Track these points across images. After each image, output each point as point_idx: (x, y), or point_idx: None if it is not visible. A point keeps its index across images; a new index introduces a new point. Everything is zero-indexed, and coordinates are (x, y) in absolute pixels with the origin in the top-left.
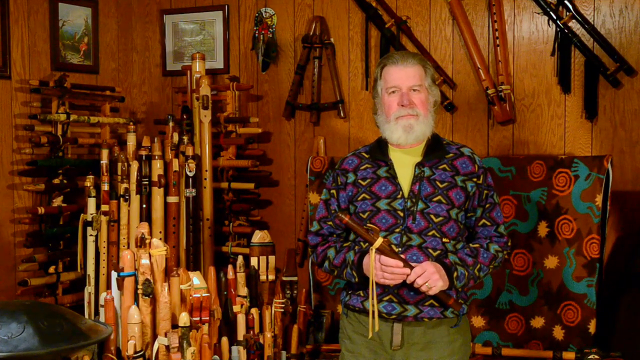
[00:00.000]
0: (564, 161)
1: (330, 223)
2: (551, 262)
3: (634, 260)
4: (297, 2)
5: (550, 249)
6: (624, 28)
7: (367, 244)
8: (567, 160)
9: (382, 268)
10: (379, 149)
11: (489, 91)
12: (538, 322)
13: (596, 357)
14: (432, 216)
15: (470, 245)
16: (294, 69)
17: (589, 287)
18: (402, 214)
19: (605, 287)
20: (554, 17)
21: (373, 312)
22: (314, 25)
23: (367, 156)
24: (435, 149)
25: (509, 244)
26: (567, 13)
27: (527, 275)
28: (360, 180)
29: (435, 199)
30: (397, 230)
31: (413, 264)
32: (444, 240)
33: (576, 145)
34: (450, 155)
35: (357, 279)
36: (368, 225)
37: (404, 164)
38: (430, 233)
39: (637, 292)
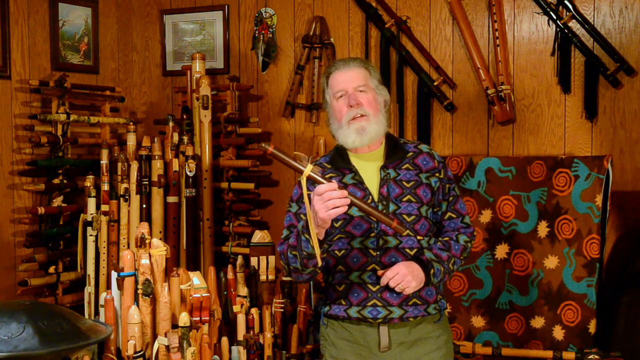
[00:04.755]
0: (564, 161)
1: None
2: (551, 262)
3: (634, 260)
4: (297, 2)
5: (550, 249)
6: (624, 28)
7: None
8: (567, 160)
9: (320, 200)
10: (340, 158)
11: (489, 91)
12: (538, 322)
13: (596, 357)
14: (404, 216)
15: (441, 239)
16: (294, 69)
17: (589, 287)
18: (375, 218)
19: (605, 287)
20: (554, 17)
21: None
22: (314, 25)
23: (328, 166)
24: (394, 150)
25: (475, 233)
26: (567, 13)
27: (527, 275)
28: None
29: (405, 199)
30: (373, 234)
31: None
32: (418, 237)
33: (576, 145)
34: (410, 154)
35: (312, 242)
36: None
37: (368, 169)
38: (404, 233)
39: (637, 292)
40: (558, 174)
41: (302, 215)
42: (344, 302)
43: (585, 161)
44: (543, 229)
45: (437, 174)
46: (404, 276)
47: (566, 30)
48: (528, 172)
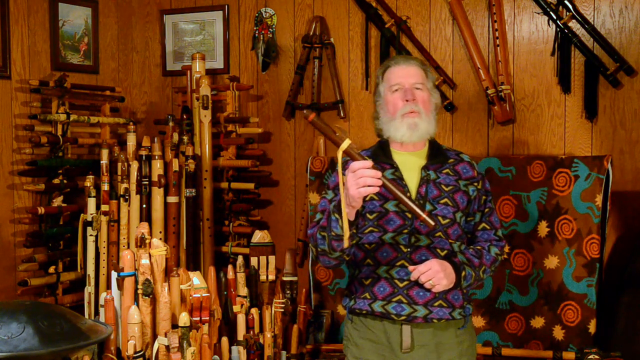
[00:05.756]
0: (564, 161)
1: None
2: (551, 262)
3: (634, 260)
4: (297, 2)
5: (550, 249)
6: (624, 28)
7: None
8: (567, 160)
9: (353, 177)
10: (382, 152)
11: (489, 91)
12: (538, 322)
13: (596, 357)
14: (439, 218)
15: (474, 247)
16: (294, 69)
17: (589, 287)
18: (410, 215)
19: (605, 287)
20: (554, 17)
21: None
22: (314, 25)
23: (370, 160)
24: (437, 153)
25: (506, 249)
26: (567, 13)
27: (527, 275)
28: None
29: (442, 202)
30: (405, 231)
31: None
32: (450, 240)
33: (576, 145)
34: (452, 160)
35: (341, 222)
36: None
37: (409, 167)
38: (437, 234)
39: (637, 292)
40: (558, 174)
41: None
42: (369, 296)
43: (585, 161)
44: (543, 229)
45: (475, 184)
46: (437, 272)
47: (566, 30)
48: (528, 172)
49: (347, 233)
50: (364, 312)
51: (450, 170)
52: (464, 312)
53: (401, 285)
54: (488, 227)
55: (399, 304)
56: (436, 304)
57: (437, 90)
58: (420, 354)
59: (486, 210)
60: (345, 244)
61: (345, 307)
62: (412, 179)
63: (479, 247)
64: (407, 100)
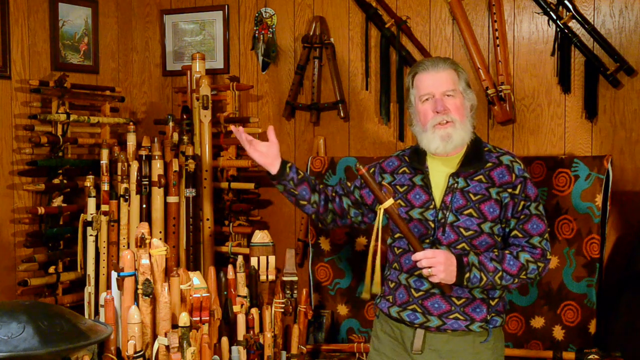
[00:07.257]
0: (564, 161)
1: (342, 186)
2: (551, 262)
3: (634, 260)
4: (297, 2)
5: (550, 248)
6: (624, 28)
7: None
8: (567, 160)
9: None
10: (417, 156)
11: (489, 91)
12: (538, 322)
13: (596, 357)
14: (461, 229)
15: (500, 250)
16: (294, 69)
17: (589, 287)
18: (432, 225)
19: (605, 287)
20: (554, 17)
21: (372, 273)
22: (314, 25)
23: (408, 160)
24: (473, 158)
25: (548, 256)
26: (567, 13)
27: None
28: (397, 186)
29: (466, 212)
30: (427, 241)
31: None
32: (477, 252)
33: (576, 145)
34: (489, 165)
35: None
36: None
37: (439, 174)
38: (459, 246)
39: (637, 292)
40: (558, 174)
41: (347, 183)
42: (390, 300)
43: (585, 161)
44: None
45: (509, 190)
46: (438, 263)
47: (566, 30)
48: (528, 172)
49: (377, 286)
50: (383, 312)
51: (484, 176)
52: (487, 325)
53: (416, 295)
54: (520, 235)
55: (413, 313)
56: (452, 316)
57: (471, 90)
58: (431, 358)
59: (522, 217)
60: (377, 290)
61: (374, 303)
62: (439, 186)
63: (506, 252)
64: (437, 112)
